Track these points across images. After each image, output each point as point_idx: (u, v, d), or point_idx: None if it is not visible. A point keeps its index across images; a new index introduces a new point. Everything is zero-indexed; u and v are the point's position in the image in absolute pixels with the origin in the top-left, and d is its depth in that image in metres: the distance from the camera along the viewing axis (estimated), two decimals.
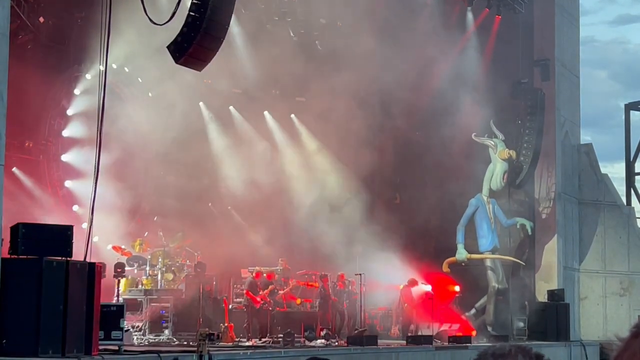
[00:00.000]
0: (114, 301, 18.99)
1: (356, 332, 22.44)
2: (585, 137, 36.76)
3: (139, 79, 23.88)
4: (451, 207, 27.34)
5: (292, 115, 27.86)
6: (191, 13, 14.63)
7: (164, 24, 14.68)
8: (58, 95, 22.98)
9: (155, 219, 24.76)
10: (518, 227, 28.09)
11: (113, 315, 15.28)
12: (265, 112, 27.75)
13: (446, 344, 22.60)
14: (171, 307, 21.17)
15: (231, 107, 27.23)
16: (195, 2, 14.63)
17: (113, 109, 19.10)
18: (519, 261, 27.80)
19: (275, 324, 22.53)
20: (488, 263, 27.11)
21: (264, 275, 23.31)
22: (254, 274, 22.83)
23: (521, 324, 26.56)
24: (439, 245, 28.02)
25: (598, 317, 29.88)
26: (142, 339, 20.39)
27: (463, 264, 27.14)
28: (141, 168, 25.03)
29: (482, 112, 27.04)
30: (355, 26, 25.28)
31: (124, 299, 20.52)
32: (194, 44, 14.65)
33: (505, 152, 27.22)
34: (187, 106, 24.93)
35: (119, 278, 20.34)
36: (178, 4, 14.63)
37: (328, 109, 25.19)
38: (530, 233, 27.97)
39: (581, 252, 30.27)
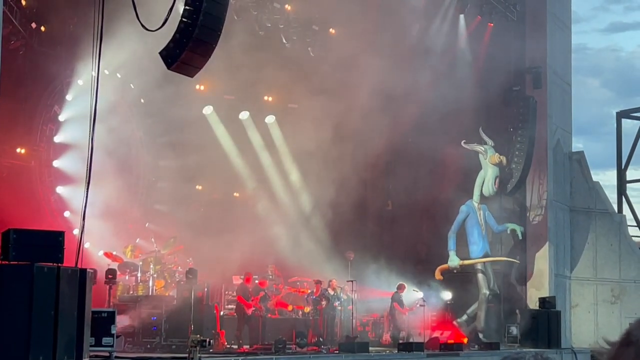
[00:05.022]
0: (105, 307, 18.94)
1: (347, 338, 22.41)
2: (577, 145, 36.91)
3: (131, 85, 23.86)
4: (443, 213, 27.35)
5: (284, 121, 27.85)
6: (183, 19, 14.63)
7: (156, 30, 14.67)
8: (50, 101, 22.96)
9: (147, 225, 24.71)
10: (509, 232, 28.10)
11: (104, 322, 15.26)
12: (258, 119, 27.74)
13: (438, 351, 22.58)
14: (162, 313, 21.10)
15: (223, 114, 27.21)
16: (188, 8, 14.62)
17: (105, 114, 19.06)
18: (513, 260, 27.80)
19: (267, 330, 22.49)
20: (479, 267, 27.09)
21: (256, 282, 23.30)
22: (244, 278, 22.83)
23: (513, 331, 26.55)
24: (430, 252, 28.02)
25: (589, 324, 29.90)
26: (133, 346, 20.33)
27: (455, 271, 27.13)
28: (133, 174, 25.00)
29: (473, 119, 27.10)
30: (347, 33, 25.32)
31: (114, 304, 20.47)
32: (186, 50, 14.64)
33: (495, 156, 27.26)
34: (179, 112, 24.92)
35: (110, 284, 20.30)
36: (170, 10, 14.61)
37: (321, 115, 25.20)
38: (520, 238, 27.97)
39: (572, 260, 30.30)
